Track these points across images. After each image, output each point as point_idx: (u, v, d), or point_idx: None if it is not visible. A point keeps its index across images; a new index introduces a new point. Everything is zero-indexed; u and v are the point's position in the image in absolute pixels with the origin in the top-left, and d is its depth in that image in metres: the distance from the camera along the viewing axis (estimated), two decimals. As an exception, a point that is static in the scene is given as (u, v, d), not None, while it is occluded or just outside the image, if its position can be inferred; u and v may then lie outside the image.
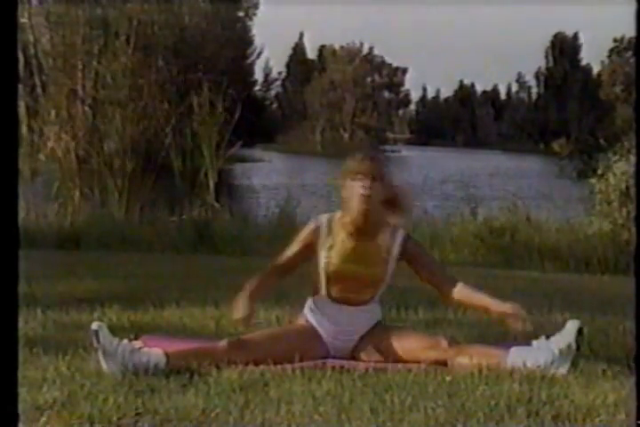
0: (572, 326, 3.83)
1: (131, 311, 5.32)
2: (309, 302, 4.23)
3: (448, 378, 3.64)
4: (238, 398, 3.33)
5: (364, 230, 4.09)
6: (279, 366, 3.83)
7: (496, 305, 4.05)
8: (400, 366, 3.91)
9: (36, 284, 6.17)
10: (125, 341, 3.78)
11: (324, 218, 4.18)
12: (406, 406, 3.23)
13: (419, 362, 3.93)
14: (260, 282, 4.17)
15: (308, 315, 4.21)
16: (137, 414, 3.12)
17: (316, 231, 4.15)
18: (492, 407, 3.20)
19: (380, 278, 4.15)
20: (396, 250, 4.15)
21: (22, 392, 3.21)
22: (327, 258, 4.11)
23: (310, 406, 3.22)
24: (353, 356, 4.13)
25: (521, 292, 6.94)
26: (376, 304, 4.24)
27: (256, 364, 3.84)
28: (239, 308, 4.03)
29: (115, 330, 3.95)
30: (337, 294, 4.14)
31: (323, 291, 4.16)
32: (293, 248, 4.19)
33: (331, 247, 4.11)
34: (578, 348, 3.80)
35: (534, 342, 3.89)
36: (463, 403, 3.26)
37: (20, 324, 3.94)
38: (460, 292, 4.16)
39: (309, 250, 4.16)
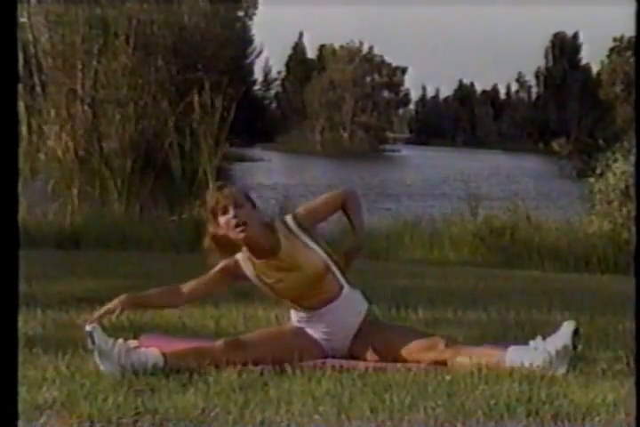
0: (567, 327, 3.83)
1: (130, 311, 5.31)
2: (292, 316, 4.24)
3: (448, 377, 3.64)
4: (238, 397, 3.33)
5: (266, 248, 4.06)
6: (279, 366, 3.83)
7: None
8: (399, 365, 3.91)
9: (36, 283, 6.18)
10: (121, 340, 3.78)
11: (238, 255, 4.12)
12: (406, 405, 3.23)
13: (417, 362, 3.93)
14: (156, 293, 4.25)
15: (296, 323, 4.23)
16: (136, 413, 3.12)
17: (237, 263, 4.13)
18: (491, 407, 3.20)
19: (322, 268, 4.08)
20: (300, 233, 4.10)
21: (22, 392, 3.22)
22: (268, 290, 4.12)
23: (310, 405, 3.22)
24: (351, 355, 4.12)
25: (521, 291, 6.95)
26: (352, 291, 4.17)
27: (253, 364, 3.84)
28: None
29: (114, 330, 3.96)
30: (306, 303, 4.12)
31: (296, 307, 4.17)
32: (209, 276, 4.19)
33: (260, 279, 4.10)
34: (574, 348, 3.80)
35: (531, 342, 3.89)
36: (463, 402, 3.26)
37: (20, 323, 3.95)
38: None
39: (230, 280, 4.17)
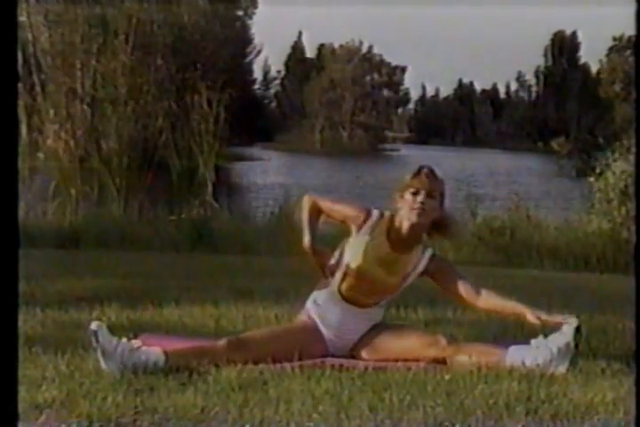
0: (570, 324, 3.83)
1: (130, 310, 5.32)
2: (314, 296, 4.21)
3: (447, 377, 3.64)
4: (237, 396, 3.33)
5: (403, 242, 4.11)
6: (278, 365, 3.83)
7: (524, 310, 4.06)
8: (399, 364, 3.91)
9: (36, 283, 6.17)
10: (124, 340, 3.77)
11: (375, 212, 4.17)
12: (405, 404, 3.23)
13: (417, 360, 3.93)
14: (310, 225, 4.16)
15: (311, 309, 4.20)
16: (136, 412, 3.12)
17: (367, 216, 4.14)
18: (490, 406, 3.20)
19: (394, 289, 4.18)
20: (420, 267, 4.17)
21: (21, 391, 3.21)
22: (356, 253, 4.11)
23: (309, 404, 3.22)
24: (352, 354, 4.13)
25: (520, 290, 6.94)
26: (381, 308, 4.25)
27: (255, 363, 3.84)
28: (306, 235, 4.09)
29: (114, 329, 3.95)
30: (347, 291, 4.13)
31: (334, 286, 4.15)
32: (338, 208, 4.20)
33: (365, 244, 4.11)
34: (576, 346, 3.80)
35: (533, 341, 3.90)
36: (462, 401, 3.26)
37: (20, 323, 3.94)
38: (487, 300, 4.16)
39: (348, 220, 4.17)
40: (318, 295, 4.20)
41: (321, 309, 4.17)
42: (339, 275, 4.13)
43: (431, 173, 4.14)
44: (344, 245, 4.16)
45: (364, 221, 4.13)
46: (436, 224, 4.17)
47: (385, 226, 4.13)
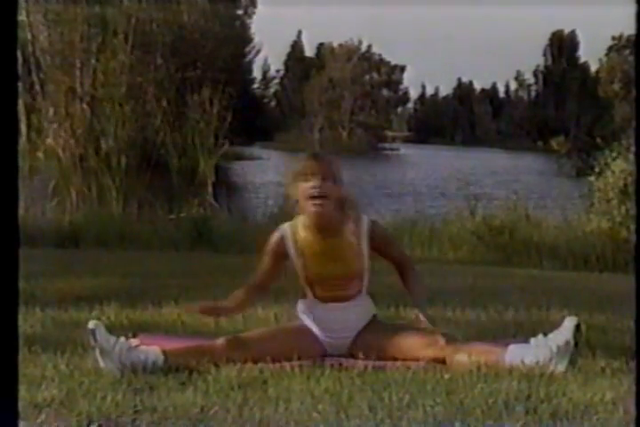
0: (569, 322, 3.83)
1: (129, 309, 5.32)
2: (299, 305, 4.23)
3: (446, 376, 3.64)
4: (237, 395, 3.33)
5: (328, 229, 4.07)
6: (278, 364, 3.84)
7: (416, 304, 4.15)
8: (398, 363, 3.91)
9: (35, 282, 6.18)
10: (122, 339, 3.78)
11: (286, 226, 4.15)
12: (405, 403, 3.23)
13: (416, 360, 3.93)
14: (239, 301, 4.21)
15: (301, 317, 4.22)
16: (135, 411, 3.12)
17: (283, 240, 4.14)
18: (490, 405, 3.20)
19: (359, 271, 4.14)
20: (364, 238, 4.12)
21: (21, 390, 3.21)
22: (301, 263, 4.12)
23: (309, 403, 3.22)
24: (351, 354, 4.12)
25: (519, 289, 6.95)
26: (365, 297, 4.22)
27: (254, 362, 3.85)
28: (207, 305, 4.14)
29: (113, 328, 3.96)
30: (323, 293, 4.14)
31: (309, 294, 4.17)
32: (265, 262, 4.19)
33: (302, 252, 4.11)
34: (576, 344, 3.80)
35: (532, 340, 3.89)
36: (461, 401, 3.26)
37: (19, 322, 3.95)
38: (406, 279, 4.21)
39: (281, 260, 4.16)
40: (302, 304, 4.22)
41: (308, 315, 4.19)
42: (304, 284, 4.16)
43: (314, 155, 4.08)
44: (293, 262, 4.17)
45: (285, 241, 4.13)
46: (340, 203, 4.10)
47: (302, 227, 4.11)
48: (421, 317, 4.06)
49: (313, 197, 3.96)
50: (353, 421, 3.05)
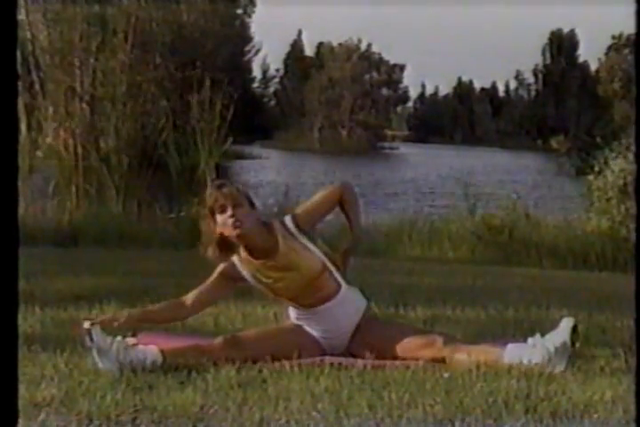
0: (566, 323, 3.83)
1: (129, 308, 5.31)
2: (290, 313, 4.25)
3: (446, 375, 3.65)
4: (236, 394, 3.34)
5: (263, 247, 4.06)
6: (277, 363, 3.84)
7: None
8: (398, 362, 3.91)
9: (35, 281, 6.18)
10: (119, 338, 3.78)
11: (234, 257, 4.13)
12: (404, 402, 3.23)
13: (415, 360, 3.93)
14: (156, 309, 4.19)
15: (294, 321, 4.24)
16: (135, 410, 3.12)
17: (234, 266, 4.13)
18: (489, 404, 3.20)
19: (319, 268, 4.10)
20: (298, 235, 4.10)
21: (21, 389, 3.21)
22: (266, 289, 4.13)
23: (308, 402, 3.23)
24: (350, 353, 4.13)
25: (519, 289, 6.96)
26: (349, 290, 4.18)
27: (252, 361, 3.85)
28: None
29: (113, 327, 3.96)
30: (304, 301, 4.13)
31: (290, 305, 4.19)
32: (210, 283, 4.21)
33: (257, 278, 4.10)
34: (573, 345, 3.80)
35: (529, 340, 3.89)
36: (461, 400, 3.26)
37: (19, 321, 3.95)
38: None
39: (230, 283, 4.17)
40: (292, 312, 4.24)
41: (300, 320, 4.19)
42: (281, 301, 4.18)
43: (219, 184, 4.08)
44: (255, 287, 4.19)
45: (235, 268, 4.14)
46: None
47: (241, 258, 4.10)
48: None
49: (234, 225, 3.96)
50: (352, 420, 3.05)
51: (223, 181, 4.19)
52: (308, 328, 4.17)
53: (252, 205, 4.07)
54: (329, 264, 4.12)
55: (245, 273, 4.12)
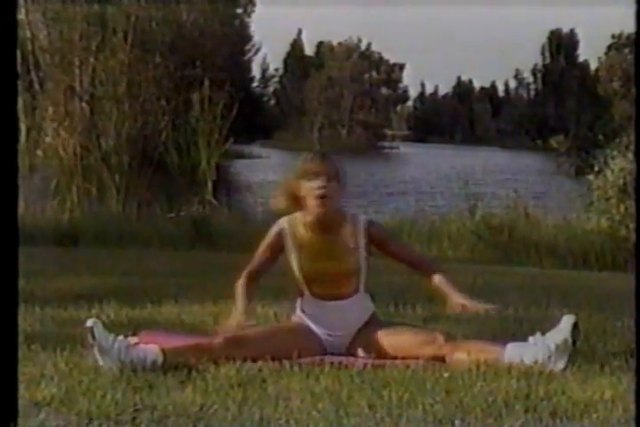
0: (567, 321, 3.84)
1: (128, 308, 5.32)
2: (298, 304, 4.25)
3: (446, 374, 3.65)
4: (236, 394, 3.34)
5: (327, 227, 4.12)
6: (277, 363, 3.83)
7: (454, 298, 4.06)
8: (398, 362, 3.91)
9: (35, 280, 6.18)
10: (121, 337, 3.78)
11: (284, 220, 4.19)
12: (404, 402, 3.23)
13: (416, 358, 3.93)
14: (245, 295, 4.20)
15: (300, 315, 4.23)
16: (135, 410, 3.12)
17: (281, 234, 4.19)
18: (489, 403, 3.20)
19: (354, 270, 4.16)
20: (361, 238, 4.15)
21: (20, 388, 3.21)
22: (298, 259, 4.15)
23: (308, 402, 3.23)
24: (350, 352, 4.13)
25: (519, 288, 6.95)
26: (363, 296, 4.22)
27: (252, 360, 3.85)
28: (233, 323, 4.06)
29: (112, 326, 3.96)
30: (319, 290, 4.15)
31: (305, 291, 4.19)
32: (262, 253, 4.24)
33: (299, 248, 4.14)
34: (574, 343, 3.81)
35: (530, 338, 3.89)
36: (461, 399, 3.26)
37: (19, 320, 3.95)
38: (437, 279, 4.14)
39: (277, 253, 4.21)
40: (300, 303, 4.24)
41: (307, 313, 4.20)
42: (301, 281, 4.17)
43: (321, 155, 4.13)
44: (289, 259, 4.20)
45: (283, 235, 4.17)
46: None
47: (301, 223, 4.15)
48: (468, 303, 4.02)
49: (318, 197, 4.00)
50: (352, 419, 3.05)
51: (325, 152, 4.21)
52: (312, 326, 4.17)
53: (343, 183, 4.11)
54: (363, 270, 4.17)
55: (290, 240, 4.15)
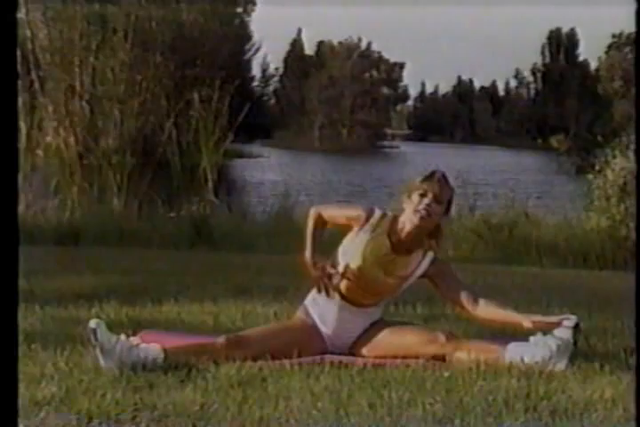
0: (569, 322, 3.84)
1: (129, 307, 5.32)
2: (313, 294, 4.20)
3: (446, 373, 3.65)
4: (236, 393, 3.34)
5: (404, 243, 4.12)
6: (277, 362, 3.83)
7: (520, 319, 3.99)
8: (398, 361, 3.91)
9: (35, 280, 6.17)
10: (123, 337, 3.77)
11: (378, 211, 4.17)
12: (404, 401, 3.23)
13: (417, 357, 3.94)
14: (313, 240, 4.17)
15: (310, 307, 4.21)
16: (135, 409, 3.12)
17: (369, 215, 4.15)
18: (489, 403, 3.20)
19: (392, 291, 4.20)
20: (421, 270, 4.18)
21: (21, 388, 3.21)
22: (356, 253, 4.11)
23: (308, 401, 3.23)
24: (351, 351, 4.13)
25: (519, 287, 6.96)
26: (379, 308, 4.27)
27: (254, 360, 3.85)
28: (308, 249, 4.12)
29: (113, 326, 3.96)
30: (346, 291, 4.13)
31: (336, 293, 4.15)
32: (341, 212, 4.23)
33: (365, 244, 4.11)
34: (575, 343, 3.81)
35: (532, 338, 3.90)
36: (461, 398, 3.26)
37: (19, 320, 3.95)
38: (484, 309, 4.10)
39: (348, 223, 4.17)
40: (314, 296, 4.20)
41: (320, 307, 4.18)
42: (337, 274, 4.12)
43: (443, 177, 4.14)
44: (343, 245, 4.17)
45: (367, 220, 4.13)
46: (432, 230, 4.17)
47: (387, 225, 4.12)
48: (537, 318, 3.96)
49: (420, 212, 4.03)
50: (353, 418, 3.05)
51: (445, 174, 4.20)
52: (318, 321, 4.16)
53: (447, 210, 4.16)
54: (396, 296, 4.30)
55: (370, 227, 4.12)
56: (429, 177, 4.10)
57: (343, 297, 4.14)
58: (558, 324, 3.87)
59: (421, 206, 4.03)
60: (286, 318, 4.77)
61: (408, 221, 4.07)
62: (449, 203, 4.15)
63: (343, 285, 4.12)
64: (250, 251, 10.21)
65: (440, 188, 4.07)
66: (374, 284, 4.11)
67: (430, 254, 4.21)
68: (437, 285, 4.21)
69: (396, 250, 4.12)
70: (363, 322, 4.19)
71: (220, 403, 3.20)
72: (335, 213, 4.22)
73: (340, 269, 4.11)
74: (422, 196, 4.05)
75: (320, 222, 4.20)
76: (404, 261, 4.13)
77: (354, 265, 4.10)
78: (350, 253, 4.12)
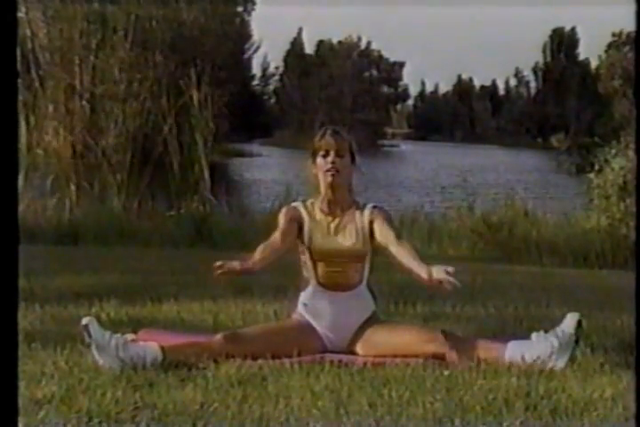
0: (571, 318, 3.85)
1: (129, 306, 5.32)
2: (301, 297, 4.24)
3: (446, 372, 3.65)
4: (236, 392, 3.34)
5: (337, 205, 4.22)
6: (277, 361, 3.84)
7: (419, 269, 3.86)
8: (398, 360, 3.91)
9: (35, 279, 6.17)
10: (118, 334, 3.78)
11: (297, 203, 4.32)
12: (404, 400, 3.23)
13: (416, 356, 3.93)
14: (259, 257, 4.16)
15: (302, 310, 4.22)
16: (135, 408, 3.12)
17: (296, 210, 4.26)
18: (489, 402, 3.20)
19: (361, 251, 4.19)
20: (365, 221, 4.20)
21: (21, 387, 3.22)
22: (309, 237, 4.19)
23: (308, 400, 3.23)
24: (350, 350, 4.13)
25: (519, 286, 6.95)
26: (366, 291, 4.23)
27: (252, 358, 3.85)
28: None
29: (113, 325, 3.96)
30: (325, 278, 4.16)
31: (312, 277, 4.18)
32: (281, 225, 4.24)
33: (311, 228, 4.20)
34: (576, 341, 3.81)
35: (533, 335, 3.90)
36: (461, 397, 3.26)
37: (19, 319, 3.95)
38: (400, 252, 4.03)
39: (294, 224, 4.22)
40: (304, 296, 4.23)
41: (310, 307, 4.19)
42: (309, 262, 4.19)
43: (335, 132, 4.23)
44: (301, 240, 4.23)
45: (298, 212, 4.25)
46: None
47: (312, 205, 4.26)
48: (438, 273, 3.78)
49: (328, 171, 4.14)
50: (352, 417, 3.05)
51: (339, 129, 4.30)
52: (313, 322, 4.16)
53: (353, 160, 4.23)
54: (367, 259, 4.23)
55: (304, 215, 4.23)
56: (322, 135, 4.20)
57: (326, 287, 4.16)
58: (447, 282, 3.72)
59: (328, 166, 4.14)
60: (286, 317, 4.78)
61: (323, 182, 4.18)
62: (352, 154, 4.22)
63: (320, 272, 4.16)
64: (249, 250, 10.18)
65: (336, 141, 4.17)
66: (341, 254, 4.15)
67: (369, 205, 4.27)
68: (373, 229, 4.21)
69: (334, 214, 4.22)
70: (356, 315, 4.18)
71: (220, 402, 3.20)
72: (281, 228, 4.22)
73: (309, 259, 4.18)
74: (325, 156, 4.16)
75: (277, 243, 4.16)
76: (347, 219, 4.21)
77: (314, 247, 4.18)
78: (306, 240, 4.21)
